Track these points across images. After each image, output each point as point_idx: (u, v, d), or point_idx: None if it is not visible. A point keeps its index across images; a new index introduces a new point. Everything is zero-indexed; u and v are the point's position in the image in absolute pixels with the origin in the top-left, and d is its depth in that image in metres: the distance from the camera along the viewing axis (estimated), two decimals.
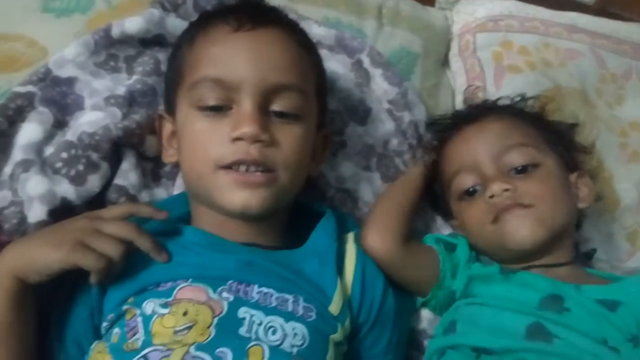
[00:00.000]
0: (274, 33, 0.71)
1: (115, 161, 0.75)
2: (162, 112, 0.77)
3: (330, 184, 0.83)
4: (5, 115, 0.72)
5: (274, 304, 0.63)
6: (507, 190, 0.74)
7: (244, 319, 0.61)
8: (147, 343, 0.58)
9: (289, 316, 0.63)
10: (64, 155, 0.71)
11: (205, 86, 0.67)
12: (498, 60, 1.03)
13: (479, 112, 0.86)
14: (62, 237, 0.61)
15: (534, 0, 1.11)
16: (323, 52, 0.84)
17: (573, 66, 1.04)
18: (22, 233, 0.68)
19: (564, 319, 0.67)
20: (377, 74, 0.91)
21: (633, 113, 1.03)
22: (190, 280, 0.63)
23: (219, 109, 0.67)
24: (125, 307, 0.62)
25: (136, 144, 0.77)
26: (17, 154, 0.71)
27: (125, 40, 0.80)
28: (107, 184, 0.74)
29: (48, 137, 0.73)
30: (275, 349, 0.60)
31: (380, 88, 0.90)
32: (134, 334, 0.60)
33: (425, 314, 0.79)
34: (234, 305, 0.62)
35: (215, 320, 0.60)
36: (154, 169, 0.79)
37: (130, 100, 0.77)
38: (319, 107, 0.76)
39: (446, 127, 0.87)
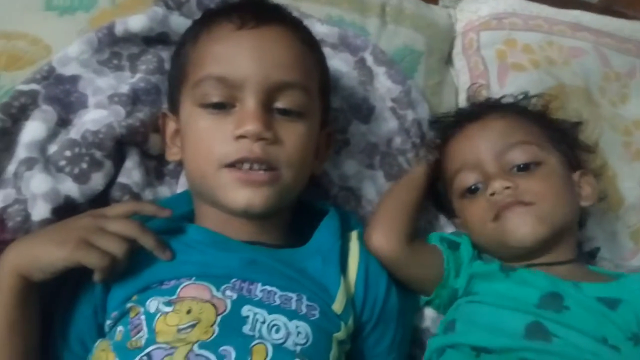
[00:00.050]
0: (277, 31, 0.71)
1: (118, 159, 0.75)
2: (165, 111, 0.77)
3: (333, 182, 0.83)
4: (9, 113, 0.72)
5: (277, 303, 0.63)
6: (508, 188, 0.73)
7: (247, 317, 0.61)
8: (151, 341, 0.58)
9: (292, 314, 0.63)
10: (68, 153, 0.72)
11: (208, 84, 0.67)
12: (502, 58, 1.02)
13: (482, 110, 0.86)
14: (66, 235, 0.61)
15: None
16: (326, 50, 0.84)
17: (577, 64, 1.04)
18: (26, 231, 0.68)
19: (563, 317, 0.67)
20: (380, 72, 0.91)
21: (637, 112, 1.03)
22: (193, 278, 0.63)
23: (223, 107, 0.68)
24: (129, 305, 0.63)
25: (140, 142, 0.77)
26: (21, 152, 0.71)
27: (129, 38, 0.80)
28: (111, 182, 0.74)
29: (52, 136, 0.73)
30: (278, 348, 0.60)
31: (384, 86, 0.90)
32: (138, 332, 0.60)
33: (429, 312, 0.79)
34: (238, 304, 0.62)
35: (219, 318, 0.60)
36: (157, 167, 0.79)
37: (133, 99, 0.77)
38: (322, 105, 0.76)
39: (449, 125, 0.87)
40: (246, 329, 0.60)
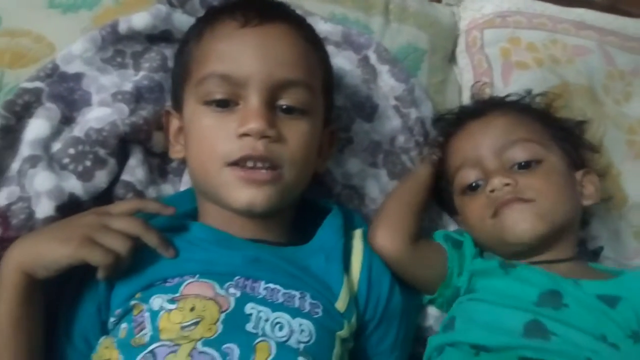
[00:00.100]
0: (281, 29, 0.71)
1: (122, 157, 0.75)
2: (169, 108, 0.77)
3: (336, 180, 0.83)
4: (13, 111, 0.72)
5: (280, 300, 0.64)
6: (508, 184, 0.73)
7: (250, 314, 0.61)
8: (155, 338, 0.58)
9: (295, 312, 0.63)
10: (72, 151, 0.72)
11: (212, 82, 0.67)
12: (505, 56, 1.02)
13: (485, 107, 0.86)
14: (70, 233, 0.61)
15: None
16: (330, 49, 0.84)
17: (581, 63, 1.04)
18: (30, 228, 0.68)
19: (561, 315, 0.67)
20: (383, 70, 0.90)
21: None
22: (197, 276, 0.63)
23: (226, 105, 0.67)
24: (132, 302, 0.63)
25: (143, 140, 0.77)
26: (25, 149, 0.71)
27: (132, 36, 0.80)
28: (115, 179, 0.74)
29: (55, 133, 0.73)
30: (282, 345, 0.60)
31: (387, 84, 0.90)
32: (141, 330, 0.60)
33: (432, 311, 0.79)
34: (241, 301, 0.62)
35: (222, 316, 0.60)
36: (161, 165, 0.79)
37: (137, 97, 0.77)
38: (325, 104, 0.76)
39: (451, 122, 0.87)
40: (250, 326, 0.60)
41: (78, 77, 0.77)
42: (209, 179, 0.68)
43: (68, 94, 0.76)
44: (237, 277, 0.64)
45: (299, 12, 0.80)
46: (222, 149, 0.66)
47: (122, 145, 0.75)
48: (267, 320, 0.61)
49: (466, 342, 0.69)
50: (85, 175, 0.71)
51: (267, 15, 0.70)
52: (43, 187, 0.69)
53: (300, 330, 0.62)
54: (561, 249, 0.76)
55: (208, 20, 0.73)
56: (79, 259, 0.60)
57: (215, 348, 0.57)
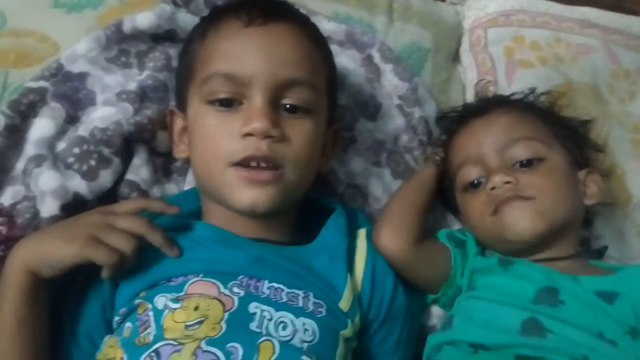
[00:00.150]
0: (285, 28, 0.71)
1: (127, 157, 0.75)
2: (173, 108, 0.77)
3: (340, 179, 0.83)
4: (18, 110, 0.73)
5: (284, 300, 0.64)
6: (508, 182, 0.73)
7: (254, 314, 0.61)
8: (159, 337, 0.59)
9: (299, 312, 0.63)
10: (76, 150, 0.72)
11: (216, 81, 0.67)
12: (509, 55, 1.02)
13: (488, 105, 0.86)
14: (75, 232, 0.62)
15: None
16: (333, 48, 0.84)
17: (585, 61, 1.03)
18: (35, 227, 0.68)
19: (558, 312, 0.67)
20: (387, 69, 0.90)
21: None
22: (201, 275, 0.64)
23: (230, 104, 0.68)
24: (137, 301, 0.63)
25: (147, 139, 0.77)
26: (30, 149, 0.72)
27: (137, 35, 0.80)
28: (119, 179, 0.74)
29: (60, 133, 0.73)
30: (285, 345, 0.60)
31: (391, 83, 0.90)
32: (146, 329, 0.60)
33: (436, 310, 0.79)
34: (245, 301, 0.62)
35: (226, 315, 0.60)
36: (165, 165, 0.80)
37: (141, 96, 0.77)
38: (329, 103, 0.76)
39: (454, 120, 0.87)
40: (253, 325, 0.60)
41: (82, 76, 0.77)
42: (212, 178, 0.68)
43: (73, 94, 0.76)
44: (240, 277, 0.64)
45: (302, 11, 0.81)
46: (226, 149, 0.66)
47: (126, 144, 0.75)
48: (270, 319, 0.61)
49: (464, 341, 0.69)
50: (89, 175, 0.72)
51: (271, 14, 0.70)
52: (48, 187, 0.69)
53: (303, 330, 0.62)
54: (562, 247, 0.75)
55: (212, 20, 0.73)
56: (83, 258, 0.60)
57: (219, 347, 0.57)
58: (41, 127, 0.73)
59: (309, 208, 0.77)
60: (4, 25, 0.80)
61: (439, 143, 0.87)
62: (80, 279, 0.66)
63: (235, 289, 0.63)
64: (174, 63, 0.80)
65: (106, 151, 0.73)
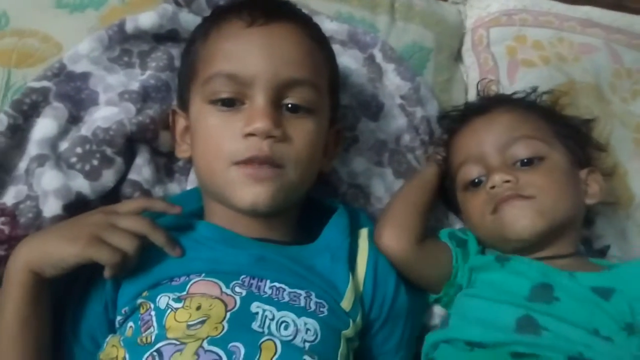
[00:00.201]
0: (287, 28, 0.71)
1: (129, 156, 0.75)
2: (175, 108, 0.77)
3: (342, 179, 0.83)
4: (21, 110, 0.73)
5: (286, 299, 0.64)
6: (508, 181, 0.73)
7: (256, 313, 0.61)
8: (161, 337, 0.59)
9: (301, 311, 0.63)
10: (79, 150, 0.72)
11: (218, 81, 0.68)
12: (512, 54, 1.02)
13: (490, 104, 0.86)
14: (77, 232, 0.62)
15: None
16: (335, 47, 0.84)
17: (587, 61, 1.03)
18: (38, 227, 0.68)
19: (552, 309, 0.67)
20: (389, 69, 0.90)
21: None
22: (203, 274, 0.64)
23: (232, 104, 0.68)
24: (139, 301, 0.63)
25: (150, 139, 0.77)
26: (32, 148, 0.72)
27: (139, 35, 0.80)
28: (122, 179, 0.74)
29: (63, 132, 0.74)
30: (287, 344, 0.60)
31: (393, 83, 0.90)
32: (148, 328, 0.60)
33: (438, 310, 0.79)
34: (247, 300, 0.62)
35: (228, 314, 0.60)
36: (167, 164, 0.80)
37: (144, 96, 0.77)
38: (331, 103, 0.76)
39: (456, 119, 0.87)
40: (255, 325, 0.60)
41: (85, 76, 0.78)
42: (214, 178, 0.68)
43: (75, 93, 0.76)
44: (242, 276, 0.64)
45: (305, 11, 0.81)
46: (228, 149, 0.66)
47: (129, 144, 0.75)
48: (272, 319, 0.61)
49: (460, 339, 0.69)
50: (92, 174, 0.72)
51: (274, 14, 0.70)
52: (50, 186, 0.69)
53: (305, 330, 0.62)
54: (562, 246, 0.75)
55: (214, 20, 0.73)
56: (86, 257, 0.60)
57: (221, 347, 0.57)
58: (44, 127, 0.73)
59: (311, 208, 0.77)
60: (6, 25, 0.81)
61: (441, 142, 0.87)
62: (82, 278, 0.66)
63: (237, 289, 0.63)
64: (176, 63, 0.80)
65: (109, 151, 0.73)
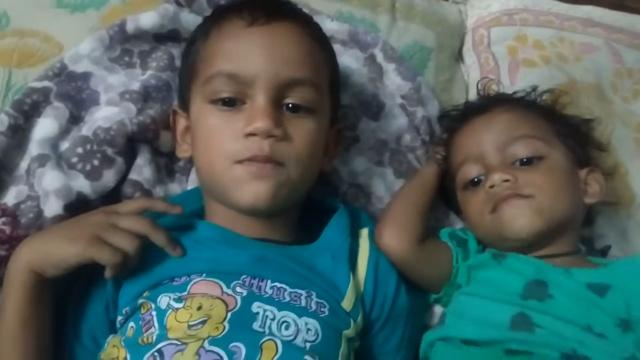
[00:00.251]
0: (287, 27, 0.71)
1: (130, 156, 0.75)
2: (176, 108, 0.77)
3: (342, 179, 0.83)
4: (22, 110, 0.73)
5: (287, 299, 0.64)
6: (507, 180, 0.73)
7: (257, 313, 0.61)
8: (162, 337, 0.59)
9: (302, 311, 0.63)
10: (80, 150, 0.72)
11: (219, 81, 0.68)
12: (512, 54, 1.02)
13: (489, 103, 0.86)
14: (78, 232, 0.62)
15: None
16: (336, 47, 0.84)
17: (588, 60, 1.03)
18: (39, 227, 0.68)
19: (546, 306, 0.67)
20: (390, 68, 0.90)
21: None
22: (204, 274, 0.64)
23: (233, 104, 0.68)
24: (140, 301, 0.63)
25: (151, 139, 0.77)
26: (33, 148, 0.72)
27: (140, 35, 0.80)
28: (122, 179, 0.74)
29: (64, 132, 0.74)
30: (288, 344, 0.60)
31: (394, 83, 0.90)
32: (149, 328, 0.60)
33: (438, 310, 0.79)
34: (248, 300, 0.62)
35: (229, 314, 0.60)
36: (168, 164, 0.80)
37: (144, 96, 0.77)
38: (332, 102, 0.76)
39: (456, 118, 0.87)
40: (256, 325, 0.60)
41: (86, 76, 0.78)
42: (215, 177, 0.68)
43: (76, 93, 0.76)
44: (243, 276, 0.64)
45: (305, 10, 0.81)
46: (228, 148, 0.66)
47: (129, 144, 0.75)
48: (273, 319, 0.61)
49: (456, 337, 0.69)
50: (93, 174, 0.72)
51: (274, 14, 0.70)
52: (51, 186, 0.69)
53: (306, 329, 0.62)
54: (561, 245, 0.75)
55: (215, 19, 0.73)
56: (87, 257, 0.60)
57: (222, 347, 0.57)
58: (45, 127, 0.73)
59: (312, 208, 0.77)
60: (7, 26, 0.81)
61: (441, 141, 0.87)
62: (83, 278, 0.66)
63: (238, 289, 0.63)
64: (177, 63, 0.80)
65: (109, 151, 0.73)
